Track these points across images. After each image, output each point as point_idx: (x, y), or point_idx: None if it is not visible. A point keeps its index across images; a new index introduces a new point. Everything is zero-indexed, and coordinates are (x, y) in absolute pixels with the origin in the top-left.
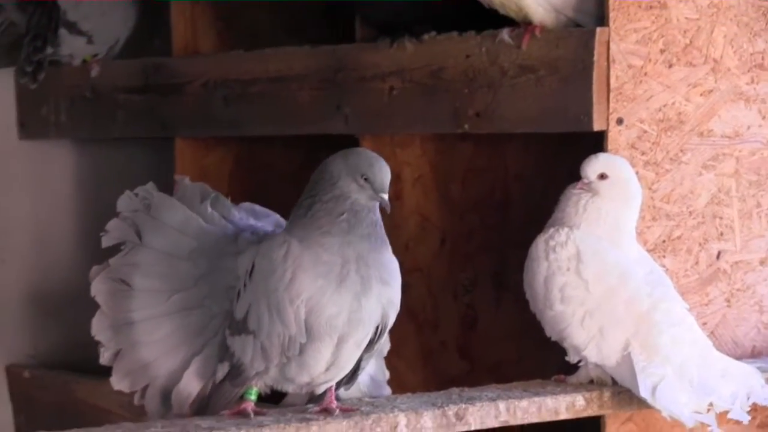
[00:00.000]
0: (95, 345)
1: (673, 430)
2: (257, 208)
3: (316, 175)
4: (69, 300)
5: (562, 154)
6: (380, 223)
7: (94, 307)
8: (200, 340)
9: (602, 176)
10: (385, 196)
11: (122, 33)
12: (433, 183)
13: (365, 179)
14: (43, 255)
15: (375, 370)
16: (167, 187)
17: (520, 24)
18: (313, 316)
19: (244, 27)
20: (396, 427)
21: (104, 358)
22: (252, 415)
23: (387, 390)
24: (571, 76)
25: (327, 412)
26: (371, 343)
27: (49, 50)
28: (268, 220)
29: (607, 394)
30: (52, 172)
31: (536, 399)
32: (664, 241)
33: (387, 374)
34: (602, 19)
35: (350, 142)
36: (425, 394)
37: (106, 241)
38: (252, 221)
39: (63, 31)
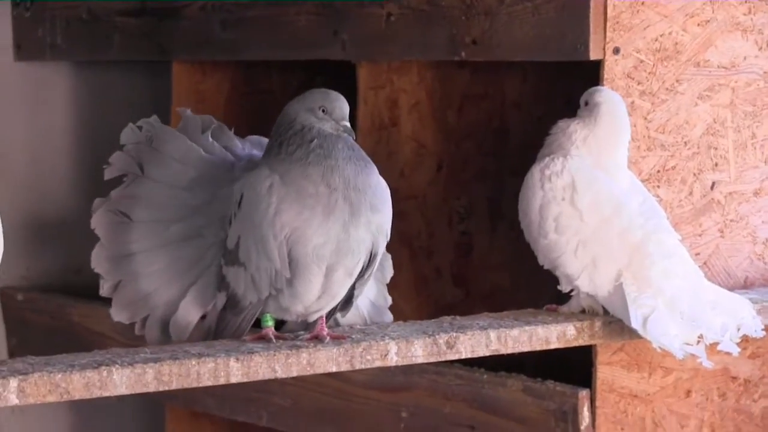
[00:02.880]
0: (90, 270)
1: (664, 360)
2: (264, 141)
3: (276, 123)
4: (64, 224)
5: (558, 82)
6: (360, 149)
7: (89, 232)
8: (197, 270)
9: (588, 104)
10: (347, 123)
11: None
12: (429, 110)
13: (323, 111)
14: (39, 178)
15: (375, 295)
16: (165, 111)
17: None
18: (299, 247)
19: None
20: (386, 354)
21: (104, 289)
22: (273, 340)
23: (389, 315)
24: (568, 5)
25: (317, 339)
26: (363, 271)
27: None
28: None
29: (598, 324)
30: (49, 95)
31: (527, 328)
32: (658, 171)
33: (389, 300)
34: None
35: (347, 67)
36: (417, 322)
37: (108, 174)
38: (255, 152)
39: None
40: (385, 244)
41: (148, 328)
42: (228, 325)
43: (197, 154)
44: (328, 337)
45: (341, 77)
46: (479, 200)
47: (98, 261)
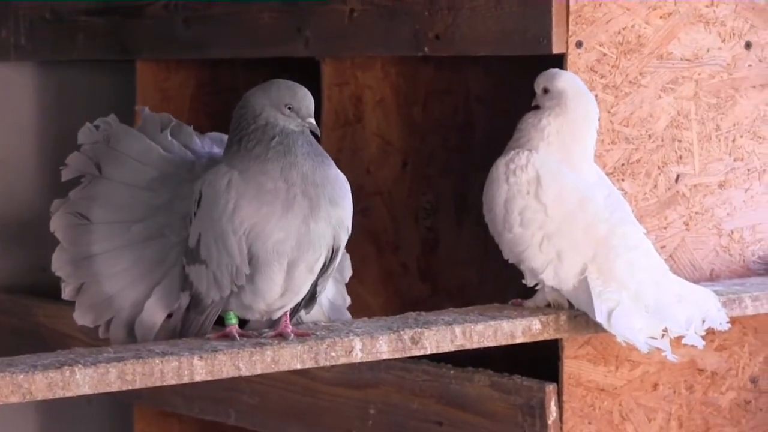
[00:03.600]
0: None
1: (631, 354)
2: (224, 137)
3: (237, 111)
4: (29, 224)
5: (522, 77)
6: (317, 144)
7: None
8: (161, 270)
9: (546, 90)
10: (312, 121)
11: None
12: (394, 106)
13: (289, 108)
14: (3, 178)
15: (334, 294)
16: (129, 110)
17: None
18: (259, 243)
19: None
20: (351, 351)
21: (66, 293)
22: (237, 338)
23: (347, 315)
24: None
25: (282, 336)
26: (325, 266)
27: None
28: None
29: (563, 317)
30: (14, 95)
31: (492, 323)
32: (623, 165)
33: (348, 299)
34: None
35: (311, 64)
36: (381, 318)
37: (66, 174)
38: (216, 149)
39: None
40: (346, 238)
41: (113, 330)
42: (192, 324)
43: (156, 152)
44: (292, 334)
45: (305, 74)
46: (445, 195)
47: (59, 264)
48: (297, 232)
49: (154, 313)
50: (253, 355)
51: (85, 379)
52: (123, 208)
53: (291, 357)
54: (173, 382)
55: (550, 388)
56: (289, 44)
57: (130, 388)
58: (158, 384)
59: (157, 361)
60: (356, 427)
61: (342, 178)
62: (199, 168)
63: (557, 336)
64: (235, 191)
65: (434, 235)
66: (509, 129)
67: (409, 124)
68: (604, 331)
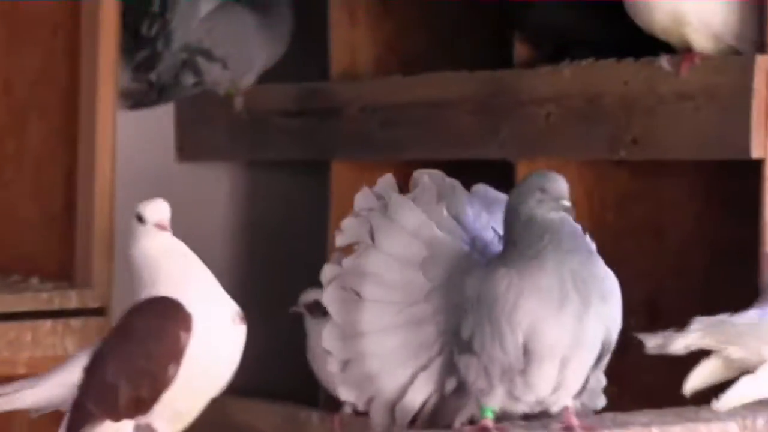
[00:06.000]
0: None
1: None
2: (490, 192)
3: (504, 215)
4: None
5: (718, 181)
6: (582, 234)
7: (263, 336)
8: (427, 355)
9: None
10: (566, 203)
11: (260, 60)
12: (587, 209)
13: (542, 191)
14: None
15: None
16: (322, 211)
17: (679, 51)
18: (535, 341)
19: (402, 51)
20: None
21: (332, 367)
22: (494, 431)
23: (602, 398)
24: (729, 104)
25: (568, 430)
26: (597, 361)
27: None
28: (500, 206)
29: (761, 422)
30: (210, 194)
31: (689, 425)
32: None
33: (603, 382)
34: (763, 46)
35: (506, 166)
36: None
37: (340, 240)
38: (484, 216)
39: (200, 59)
40: (617, 334)
41: (374, 410)
42: (449, 412)
43: (431, 231)
44: (579, 429)
45: (501, 177)
46: (637, 300)
47: (330, 339)
48: (572, 329)
49: (416, 398)
50: None
51: None
52: (395, 289)
53: None
54: None
55: None
56: (485, 147)
57: None
58: None
59: None
60: None
61: (611, 276)
62: (472, 262)
63: None
64: (515, 290)
65: (625, 338)
66: (702, 235)
67: (603, 227)
68: None
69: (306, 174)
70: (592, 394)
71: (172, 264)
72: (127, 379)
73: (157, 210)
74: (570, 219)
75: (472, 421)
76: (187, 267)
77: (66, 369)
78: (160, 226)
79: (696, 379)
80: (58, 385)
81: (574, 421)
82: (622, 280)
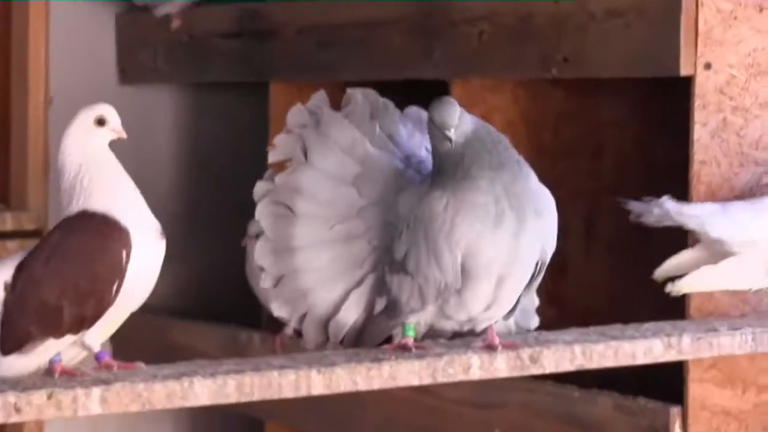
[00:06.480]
0: (190, 291)
1: (758, 378)
2: (423, 114)
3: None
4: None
5: (653, 100)
6: (508, 146)
7: (189, 254)
8: (359, 273)
9: None
10: (448, 132)
11: None
12: (523, 129)
13: (432, 122)
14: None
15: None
16: (262, 131)
17: None
18: (471, 260)
19: None
20: (469, 368)
21: (265, 282)
22: (413, 350)
23: (535, 319)
24: (659, 21)
25: (490, 348)
26: (531, 279)
27: None
28: None
29: (686, 339)
30: (151, 117)
31: (613, 343)
32: (751, 188)
33: (536, 302)
34: None
35: (440, 86)
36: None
37: (272, 157)
38: (417, 135)
39: None
40: (552, 251)
41: (306, 326)
42: (378, 330)
43: (364, 147)
44: (500, 346)
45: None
46: (574, 219)
47: (262, 253)
48: (507, 247)
49: (349, 315)
50: (371, 370)
51: (203, 390)
52: (327, 204)
53: (409, 373)
54: (290, 395)
55: (675, 411)
56: (419, 67)
57: (248, 400)
58: (275, 396)
59: (275, 374)
60: None
61: (545, 191)
62: (405, 181)
63: (679, 358)
64: (452, 209)
65: (563, 258)
66: (639, 153)
67: (538, 147)
68: (729, 353)
69: (247, 95)
70: (525, 313)
71: (107, 176)
72: (71, 301)
73: (116, 116)
74: (490, 133)
75: (389, 339)
76: (119, 181)
77: None
78: (118, 131)
79: (669, 267)
80: None
81: (496, 339)
82: (559, 201)
